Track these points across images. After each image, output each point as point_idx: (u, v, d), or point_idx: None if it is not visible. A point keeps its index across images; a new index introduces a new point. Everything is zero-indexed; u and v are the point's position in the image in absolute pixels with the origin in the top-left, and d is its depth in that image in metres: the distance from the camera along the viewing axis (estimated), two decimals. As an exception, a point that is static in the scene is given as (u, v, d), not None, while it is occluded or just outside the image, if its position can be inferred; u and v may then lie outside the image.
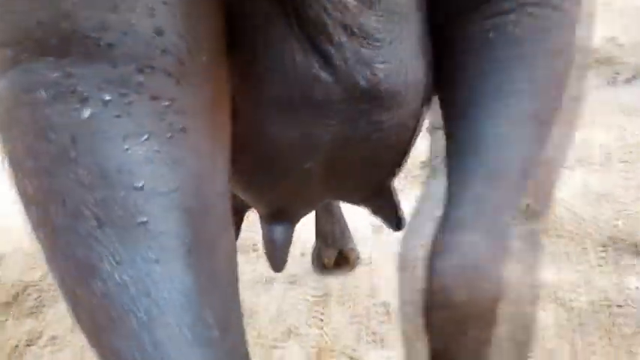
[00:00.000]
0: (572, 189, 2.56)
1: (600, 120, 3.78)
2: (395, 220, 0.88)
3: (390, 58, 0.56)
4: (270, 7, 0.50)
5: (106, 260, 0.42)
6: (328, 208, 1.72)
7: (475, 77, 0.60)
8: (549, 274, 1.85)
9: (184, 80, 0.44)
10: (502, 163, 0.60)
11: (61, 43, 0.40)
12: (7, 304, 1.98)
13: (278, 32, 0.51)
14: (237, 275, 0.56)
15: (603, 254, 1.95)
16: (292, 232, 0.84)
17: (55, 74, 0.41)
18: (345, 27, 0.51)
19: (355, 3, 0.50)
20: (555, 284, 1.81)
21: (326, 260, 1.86)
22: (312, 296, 1.94)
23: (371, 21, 0.53)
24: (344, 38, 0.52)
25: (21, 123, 0.42)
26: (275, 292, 1.96)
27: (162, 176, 0.43)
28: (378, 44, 0.54)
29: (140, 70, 0.42)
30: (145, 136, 0.43)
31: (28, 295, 2.02)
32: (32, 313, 1.97)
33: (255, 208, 0.82)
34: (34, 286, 2.10)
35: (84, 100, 0.41)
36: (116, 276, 0.42)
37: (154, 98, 0.43)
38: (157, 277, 0.42)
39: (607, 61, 4.60)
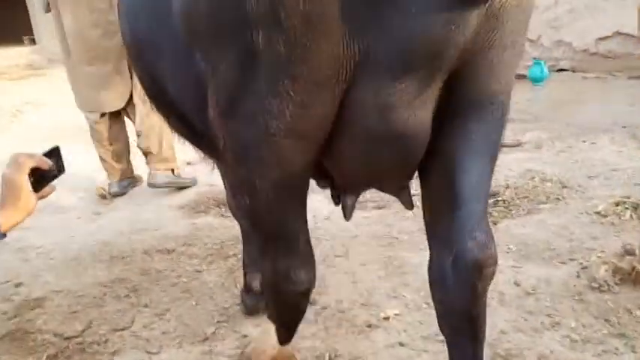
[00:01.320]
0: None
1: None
2: (410, 203, 1.38)
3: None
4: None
5: None
6: None
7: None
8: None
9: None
10: None
11: None
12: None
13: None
14: None
15: None
16: (356, 200, 1.45)
17: None
18: None
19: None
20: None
21: None
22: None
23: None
24: None
25: None
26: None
27: None
28: None
29: None
30: None
31: (68, 357, 1.84)
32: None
33: (344, 186, 1.37)
34: (77, 341, 1.92)
35: None
36: None
37: None
38: None
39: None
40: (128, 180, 3.55)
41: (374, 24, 0.89)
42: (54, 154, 1.38)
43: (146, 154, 3.39)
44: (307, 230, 1.27)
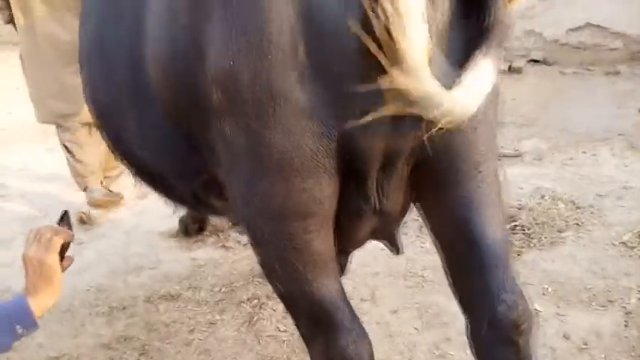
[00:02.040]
0: None
1: None
2: (397, 248, 1.42)
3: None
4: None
5: None
6: None
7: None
8: None
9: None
10: None
11: None
12: None
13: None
14: None
15: None
16: (347, 258, 1.77)
17: None
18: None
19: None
20: None
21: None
22: None
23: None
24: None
25: None
26: None
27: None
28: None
29: None
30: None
31: None
32: None
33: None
34: None
35: None
36: None
37: None
38: None
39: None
40: (108, 192, 3.25)
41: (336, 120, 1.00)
42: (65, 220, 1.36)
43: None
44: (347, 298, 1.23)
